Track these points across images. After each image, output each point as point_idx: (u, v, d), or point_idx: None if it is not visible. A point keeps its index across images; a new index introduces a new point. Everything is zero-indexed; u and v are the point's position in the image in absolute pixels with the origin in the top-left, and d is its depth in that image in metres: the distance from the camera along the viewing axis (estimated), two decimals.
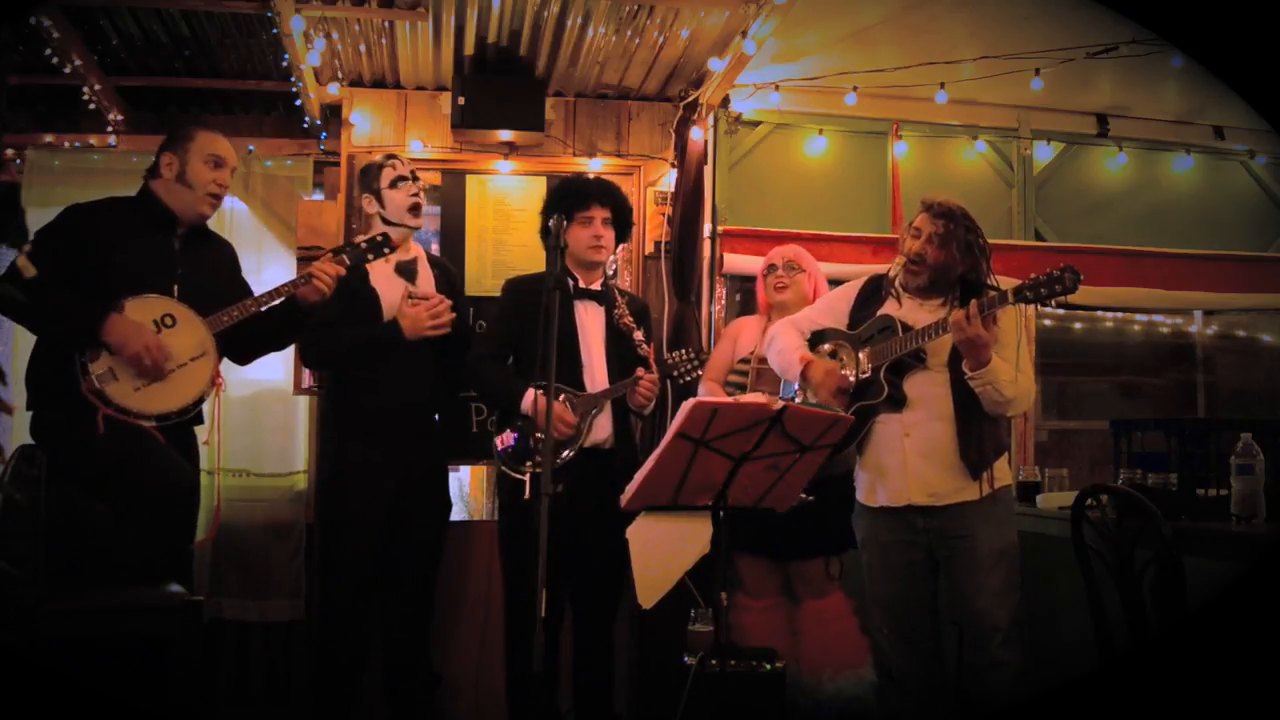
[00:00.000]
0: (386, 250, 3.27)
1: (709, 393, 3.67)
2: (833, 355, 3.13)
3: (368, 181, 3.49)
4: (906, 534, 3.01)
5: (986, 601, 2.90)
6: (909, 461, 2.97)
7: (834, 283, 4.17)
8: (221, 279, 3.23)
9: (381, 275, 3.41)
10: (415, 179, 3.51)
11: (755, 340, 3.69)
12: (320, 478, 3.57)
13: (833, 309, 3.26)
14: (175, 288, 3.06)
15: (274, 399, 4.27)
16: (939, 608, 3.07)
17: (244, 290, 3.23)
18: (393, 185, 3.45)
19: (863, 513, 3.13)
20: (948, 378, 2.97)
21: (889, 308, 3.09)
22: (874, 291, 3.18)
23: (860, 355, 3.07)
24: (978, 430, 2.95)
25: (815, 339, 3.22)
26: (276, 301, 3.15)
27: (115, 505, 2.92)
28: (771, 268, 3.71)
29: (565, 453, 3.27)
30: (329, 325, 3.32)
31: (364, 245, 3.26)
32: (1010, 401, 2.91)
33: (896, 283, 3.11)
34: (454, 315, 3.43)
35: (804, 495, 3.30)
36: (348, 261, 3.20)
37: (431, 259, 3.62)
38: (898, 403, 3.00)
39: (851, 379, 3.05)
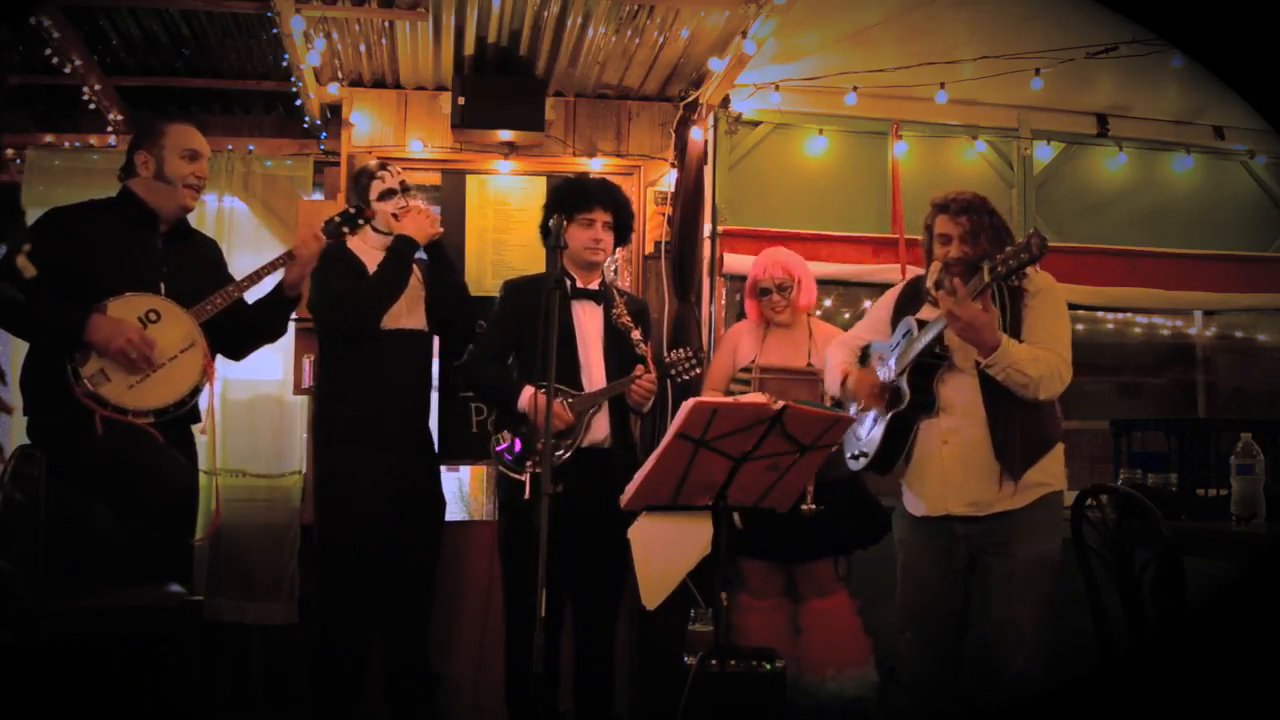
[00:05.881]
0: (361, 221, 3.35)
1: None
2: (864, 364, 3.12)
3: (359, 191, 3.52)
4: (946, 540, 2.95)
5: (1018, 612, 2.83)
6: (946, 469, 2.91)
7: (835, 283, 4.19)
8: (208, 275, 3.20)
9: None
10: (405, 190, 3.52)
11: (755, 348, 3.68)
12: (317, 480, 3.56)
13: (875, 321, 3.23)
14: (162, 285, 3.05)
15: (272, 400, 4.26)
16: (966, 613, 3.00)
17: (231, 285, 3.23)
18: (381, 198, 3.48)
19: (904, 514, 3.09)
20: (978, 379, 2.88)
21: (924, 313, 3.02)
22: (911, 297, 3.13)
23: (891, 363, 3.04)
24: (1016, 427, 2.85)
25: (864, 354, 3.20)
26: (259, 284, 3.17)
27: (115, 505, 2.91)
28: (765, 291, 3.68)
29: (560, 453, 3.25)
30: (351, 291, 3.36)
31: (337, 219, 3.31)
32: (1036, 381, 2.79)
33: (933, 288, 3.03)
34: (440, 221, 3.49)
35: (815, 505, 3.31)
36: (324, 237, 3.26)
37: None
38: (928, 407, 2.94)
39: (880, 379, 3.03)
